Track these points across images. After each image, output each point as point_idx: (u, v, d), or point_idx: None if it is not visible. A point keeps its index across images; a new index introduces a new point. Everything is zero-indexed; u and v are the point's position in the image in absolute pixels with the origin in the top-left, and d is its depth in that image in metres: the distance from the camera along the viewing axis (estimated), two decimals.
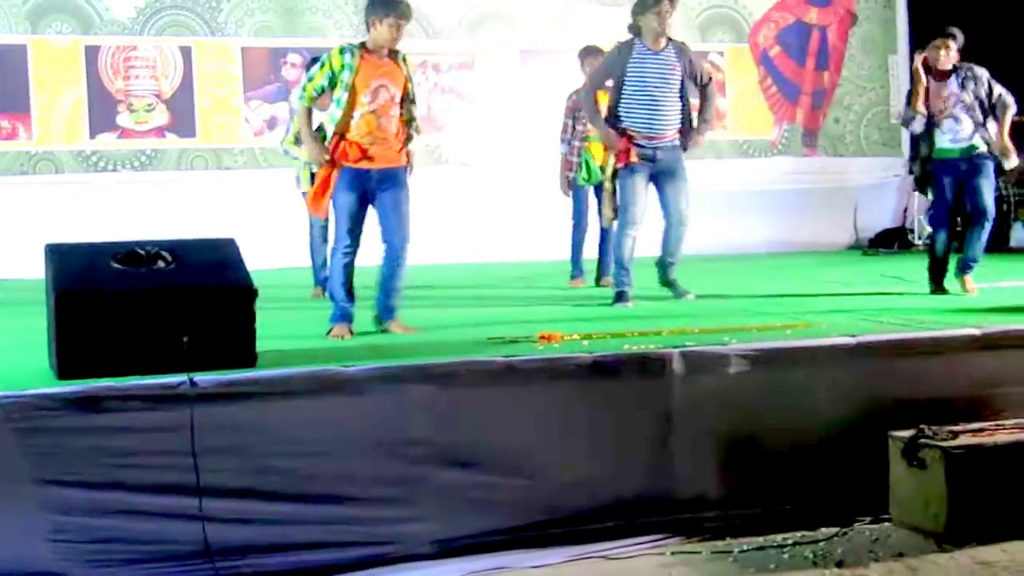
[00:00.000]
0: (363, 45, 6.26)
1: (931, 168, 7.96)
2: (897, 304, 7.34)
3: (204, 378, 4.57)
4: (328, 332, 6.18)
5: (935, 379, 5.54)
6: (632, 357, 5.17)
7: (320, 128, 6.46)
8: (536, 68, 12.98)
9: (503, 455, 4.91)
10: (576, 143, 9.12)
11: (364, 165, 6.23)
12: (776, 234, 12.87)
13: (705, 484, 5.20)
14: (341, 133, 6.20)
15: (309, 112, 6.35)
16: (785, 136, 13.95)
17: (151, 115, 11.92)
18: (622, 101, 7.54)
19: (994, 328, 5.80)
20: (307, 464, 4.66)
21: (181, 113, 12.01)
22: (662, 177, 7.61)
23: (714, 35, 13.80)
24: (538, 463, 4.97)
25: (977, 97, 7.85)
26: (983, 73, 7.93)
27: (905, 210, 14.17)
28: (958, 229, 8.34)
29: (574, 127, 9.12)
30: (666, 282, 7.81)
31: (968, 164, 7.85)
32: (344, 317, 6.25)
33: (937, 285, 7.95)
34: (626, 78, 7.52)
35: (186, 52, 12.02)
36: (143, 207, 11.29)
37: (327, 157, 6.22)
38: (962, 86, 7.88)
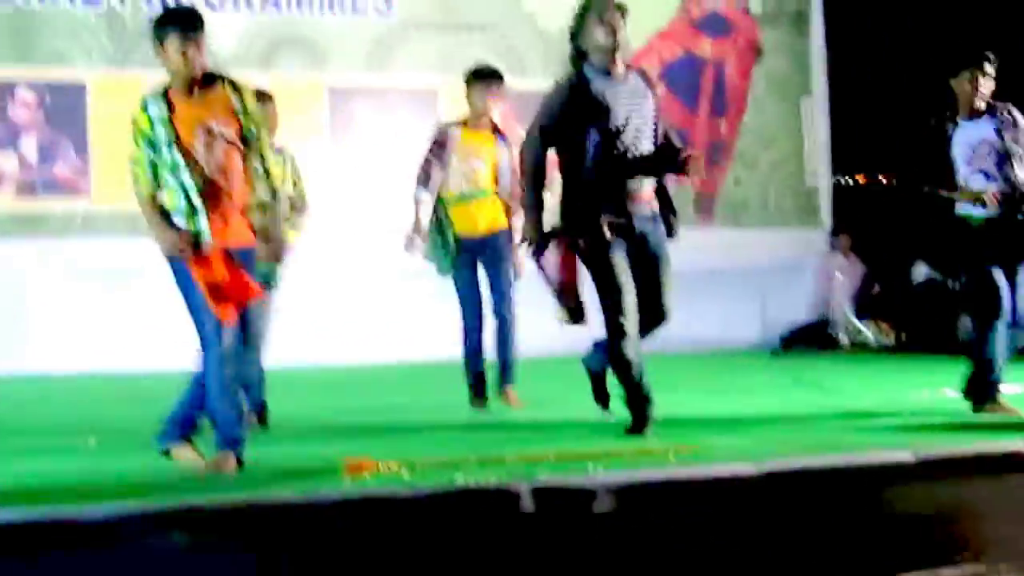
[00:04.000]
0: (169, 87, 6.10)
1: (956, 241, 7.69)
2: (814, 421, 7.50)
3: None
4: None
5: (859, 518, 5.61)
6: (466, 493, 5.15)
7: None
8: (350, 111, 13.06)
9: None
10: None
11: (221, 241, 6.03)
12: (664, 330, 13.02)
13: None
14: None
15: (152, 199, 6.02)
16: (673, 200, 14.19)
17: None
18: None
19: (933, 452, 5.91)
20: None
21: None
22: (640, 258, 7.23)
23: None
24: None
25: (1017, 147, 7.61)
26: (1021, 118, 7.70)
27: (827, 299, 14.49)
28: None
29: (433, 168, 8.61)
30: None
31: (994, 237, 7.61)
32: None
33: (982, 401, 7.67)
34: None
35: None
36: None
37: (184, 248, 5.95)
38: (999, 132, 7.65)
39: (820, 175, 14.88)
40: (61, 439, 7.23)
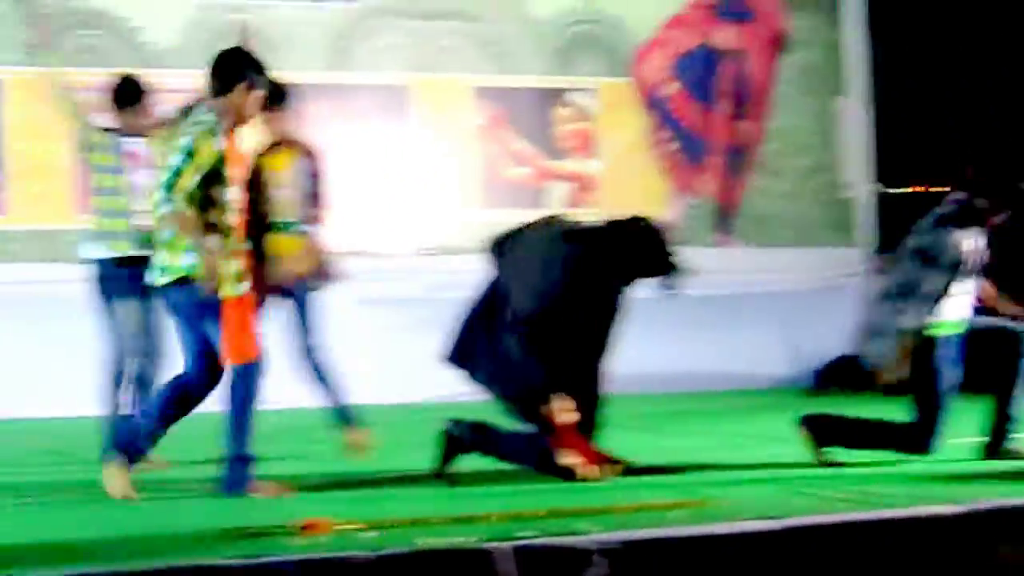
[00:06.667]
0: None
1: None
2: (846, 470, 7.63)
3: None
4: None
5: None
6: (438, 555, 5.22)
7: None
8: (308, 112, 13.09)
9: None
10: None
11: None
12: (677, 364, 13.09)
13: None
14: None
15: None
16: (689, 216, 14.24)
17: None
18: None
19: (982, 504, 5.99)
20: None
21: None
22: None
23: (580, 65, 14.12)
24: None
25: None
26: None
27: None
28: None
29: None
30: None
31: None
32: None
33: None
34: None
35: None
36: None
37: None
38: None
39: (857, 185, 14.96)
40: None
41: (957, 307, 8.04)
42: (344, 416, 8.89)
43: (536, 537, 5.40)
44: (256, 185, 8.75)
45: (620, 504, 6.24)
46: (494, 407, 7.82)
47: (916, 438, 7.95)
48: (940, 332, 7.98)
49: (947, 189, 8.17)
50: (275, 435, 9.83)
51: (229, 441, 7.19)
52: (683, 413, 10.96)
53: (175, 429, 7.36)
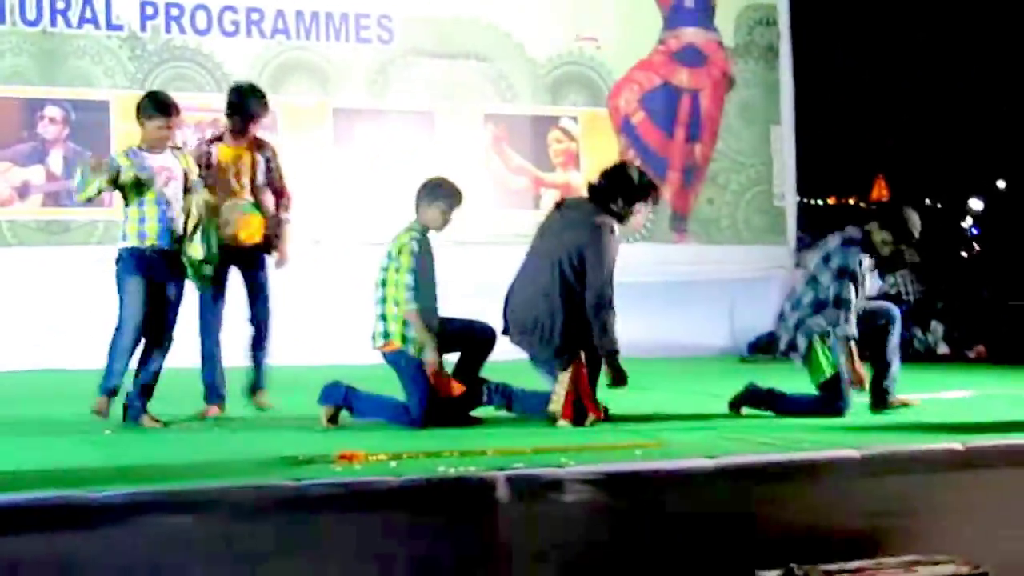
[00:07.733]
0: None
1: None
2: (771, 421, 7.61)
3: None
4: None
5: (808, 509, 5.66)
6: (448, 481, 5.21)
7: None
8: (352, 130, 13.11)
9: None
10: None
11: None
12: (637, 335, 12.85)
13: None
14: None
15: None
16: (650, 219, 14.23)
17: None
18: None
19: (876, 449, 5.98)
20: None
21: None
22: None
23: (566, 97, 14.12)
24: None
25: None
26: None
27: None
28: None
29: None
30: None
31: None
32: None
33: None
34: None
35: None
36: None
37: None
38: None
39: (787, 196, 14.99)
40: (78, 428, 7.30)
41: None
42: (259, 380, 8.47)
43: (525, 469, 5.40)
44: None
45: (593, 443, 6.26)
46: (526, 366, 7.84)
47: (829, 405, 7.94)
48: None
49: (852, 201, 8.25)
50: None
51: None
52: (646, 374, 10.88)
53: None
